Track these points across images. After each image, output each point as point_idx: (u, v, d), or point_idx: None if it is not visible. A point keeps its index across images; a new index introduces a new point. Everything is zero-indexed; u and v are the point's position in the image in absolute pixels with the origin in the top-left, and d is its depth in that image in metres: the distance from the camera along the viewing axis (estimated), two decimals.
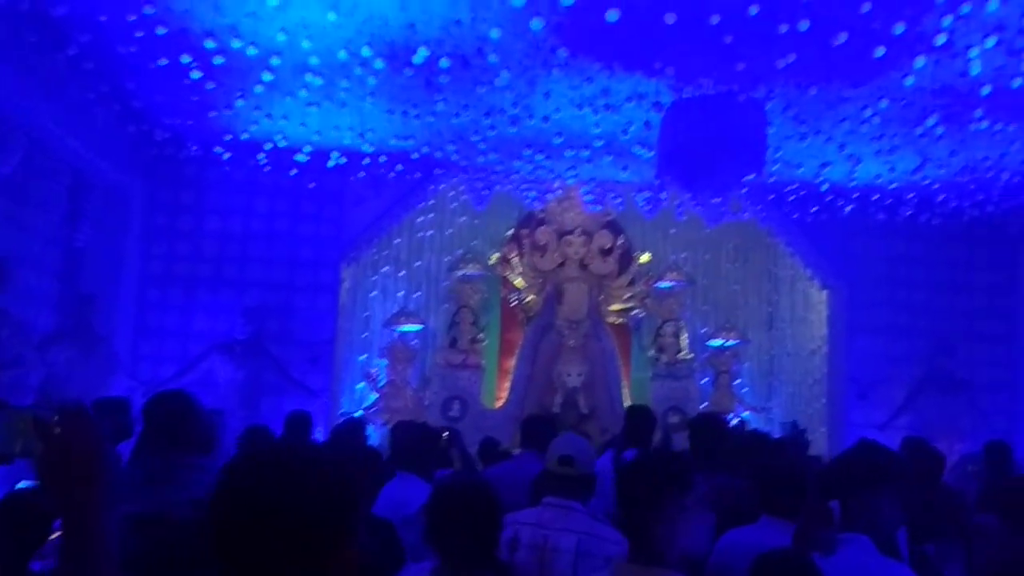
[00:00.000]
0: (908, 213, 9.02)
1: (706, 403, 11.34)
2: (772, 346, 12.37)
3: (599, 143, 7.68)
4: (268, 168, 9.13)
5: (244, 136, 8.39)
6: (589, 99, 7.20)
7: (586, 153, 7.89)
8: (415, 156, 8.66)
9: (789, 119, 7.38)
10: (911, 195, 8.60)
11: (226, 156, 8.86)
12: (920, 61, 5.97)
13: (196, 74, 6.63)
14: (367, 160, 8.81)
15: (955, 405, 9.95)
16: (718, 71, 6.64)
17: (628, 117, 7.40)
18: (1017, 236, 9.75)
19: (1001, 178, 7.98)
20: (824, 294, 10.74)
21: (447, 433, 5.90)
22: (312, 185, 9.29)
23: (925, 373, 10.09)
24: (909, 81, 6.18)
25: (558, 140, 7.49)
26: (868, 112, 6.55)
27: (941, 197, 8.84)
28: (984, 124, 6.65)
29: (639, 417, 5.67)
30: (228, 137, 8.51)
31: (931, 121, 6.72)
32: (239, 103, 7.41)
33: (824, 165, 7.99)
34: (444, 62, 6.36)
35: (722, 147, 6.49)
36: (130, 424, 5.94)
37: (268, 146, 8.57)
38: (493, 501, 2.88)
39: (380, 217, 9.76)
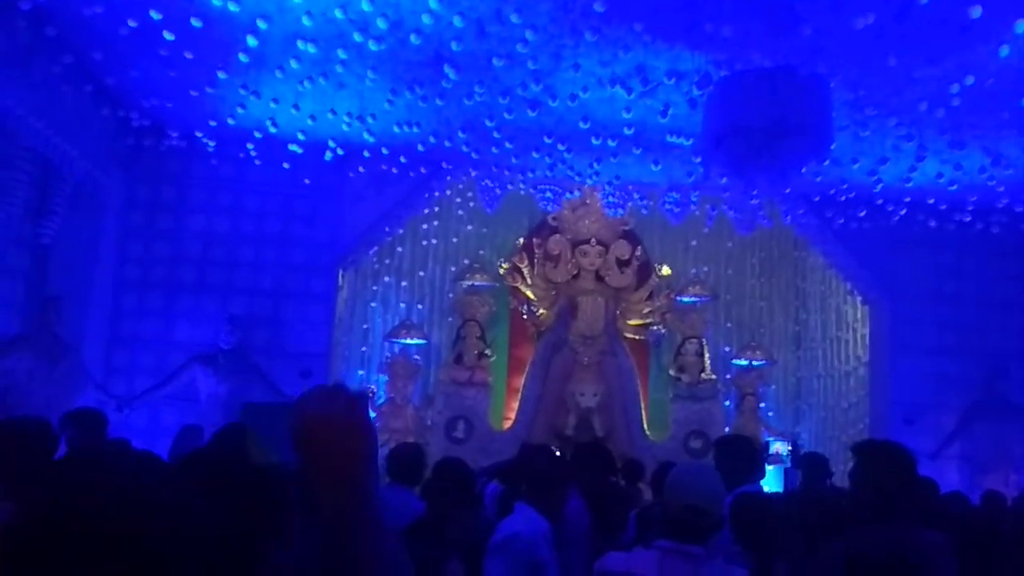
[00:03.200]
0: (966, 220, 7.85)
1: (728, 427, 10.19)
2: (800, 367, 11.22)
3: (629, 131, 6.54)
4: (258, 161, 7.97)
5: (230, 121, 7.24)
6: (621, 78, 6.07)
7: (613, 143, 6.74)
8: (420, 148, 7.50)
9: (846, 104, 6.25)
10: (972, 199, 7.45)
11: (211, 145, 7.70)
12: (1021, 25, 4.84)
13: (169, 35, 5.50)
14: (367, 153, 7.66)
15: (1010, 432, 8.76)
16: (770, 43, 5.53)
17: (666, 98, 6.26)
18: None
19: None
20: (864, 310, 9.56)
21: None
22: (307, 181, 8.14)
23: (977, 398, 8.90)
24: (1004, 51, 5.05)
25: (584, 125, 6.35)
26: (954, 88, 5.39)
27: (1004, 202, 7.68)
28: None
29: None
30: (212, 123, 7.38)
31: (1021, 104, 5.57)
32: (221, 76, 6.26)
33: (882, 162, 6.84)
34: (457, 21, 5.22)
35: (781, 129, 5.35)
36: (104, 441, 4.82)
37: (257, 134, 7.42)
38: None
39: (381, 218, 8.58)
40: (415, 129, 6.97)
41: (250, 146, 7.72)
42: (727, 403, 10.50)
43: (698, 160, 6.92)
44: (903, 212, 7.84)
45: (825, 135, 5.45)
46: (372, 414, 9.76)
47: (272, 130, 7.18)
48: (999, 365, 8.85)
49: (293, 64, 6.09)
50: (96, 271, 7.98)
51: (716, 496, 2.97)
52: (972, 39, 5.31)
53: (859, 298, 9.58)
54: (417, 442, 7.49)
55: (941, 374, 8.96)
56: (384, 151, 7.56)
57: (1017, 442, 8.68)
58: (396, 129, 7.14)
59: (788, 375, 11.19)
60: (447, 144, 7.20)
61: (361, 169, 7.95)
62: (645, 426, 10.03)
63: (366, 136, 7.25)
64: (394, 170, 7.86)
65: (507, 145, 6.89)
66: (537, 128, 6.93)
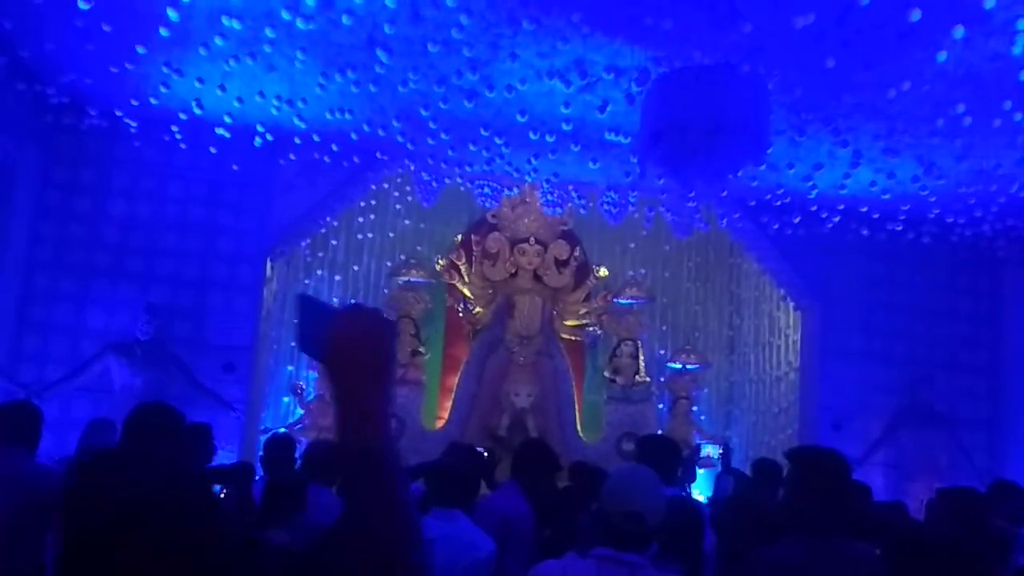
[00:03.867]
0: (897, 228, 7.84)
1: (661, 430, 10.09)
2: (732, 372, 11.19)
3: (567, 126, 6.35)
4: (183, 145, 7.59)
5: (153, 101, 6.85)
6: (560, 71, 5.88)
7: (551, 139, 6.55)
8: (354, 137, 7.21)
9: (783, 107, 6.15)
10: (905, 207, 7.43)
11: (133, 126, 7.29)
12: (959, 31, 4.77)
13: (84, 4, 5.13)
14: (298, 140, 7.33)
15: (934, 440, 8.80)
16: (709, 40, 5.39)
17: (604, 94, 6.09)
18: (1005, 261, 8.67)
19: (1010, 189, 6.85)
20: (797, 316, 9.54)
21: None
22: (235, 168, 7.77)
23: (903, 405, 8.93)
24: (941, 56, 4.98)
25: (522, 119, 6.13)
26: (891, 94, 5.31)
27: (935, 212, 7.69)
28: (1018, 116, 5.47)
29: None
30: (134, 102, 6.98)
31: (961, 109, 5.51)
32: (141, 51, 5.88)
33: (817, 167, 6.76)
34: (390, 1, 4.96)
35: (718, 128, 5.21)
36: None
37: (182, 116, 7.05)
38: None
39: (312, 209, 8.24)
40: (348, 116, 6.68)
41: (175, 128, 7.34)
42: (660, 406, 10.41)
43: (635, 160, 6.78)
44: (837, 219, 7.79)
45: (763, 136, 5.33)
46: (299, 411, 9.44)
47: (197, 111, 6.83)
48: (925, 374, 8.89)
49: (218, 41, 5.76)
50: (6, 252, 7.50)
51: (656, 502, 2.83)
52: (910, 44, 5.24)
53: (792, 304, 9.56)
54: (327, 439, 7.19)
55: (869, 381, 8.97)
56: (316, 138, 7.24)
57: (941, 450, 8.72)
58: (328, 116, 6.84)
59: (721, 379, 11.16)
60: (381, 133, 6.92)
61: (292, 156, 7.62)
62: (579, 427, 9.87)
63: (297, 122, 6.94)
64: (326, 159, 7.54)
65: (443, 136, 6.63)
66: (474, 120, 6.71)
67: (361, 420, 1.36)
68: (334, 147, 7.27)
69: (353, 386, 1.36)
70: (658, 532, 3.11)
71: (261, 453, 5.79)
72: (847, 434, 8.81)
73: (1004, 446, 8.84)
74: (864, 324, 9.05)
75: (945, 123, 5.74)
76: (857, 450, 8.78)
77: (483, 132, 6.46)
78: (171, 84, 6.65)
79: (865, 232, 8.15)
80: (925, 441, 8.77)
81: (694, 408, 10.37)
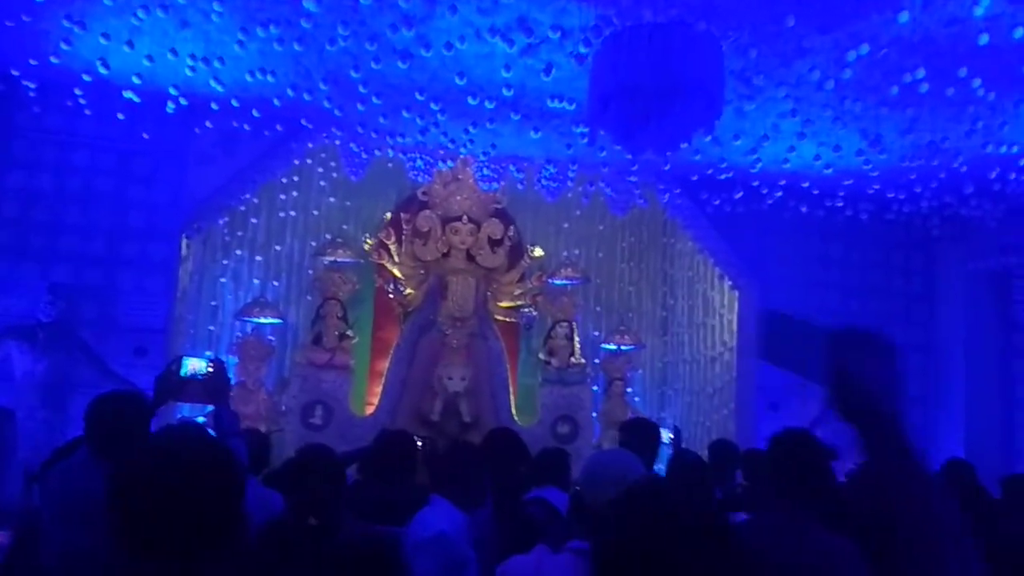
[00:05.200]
0: (837, 204, 7.64)
1: (596, 412, 9.79)
2: (667, 352, 10.93)
3: (508, 92, 5.89)
4: (88, 111, 6.86)
5: (53, 60, 6.13)
6: (502, 29, 5.40)
7: (491, 105, 6.08)
8: (277, 103, 6.59)
9: (733, 74, 5.81)
10: (846, 183, 7.21)
11: (31, 88, 6.53)
12: None
13: None
14: (215, 105, 6.68)
15: None
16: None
17: (549, 56, 5.64)
18: (938, 239, 8.58)
19: (953, 164, 6.68)
20: (732, 295, 9.30)
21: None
22: (146, 136, 7.07)
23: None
24: (903, 17, 4.69)
25: (460, 82, 5.64)
26: (850, 56, 5.00)
27: (875, 188, 7.50)
28: (975, 83, 5.24)
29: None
30: (33, 62, 6.24)
31: (913, 77, 5.25)
32: None
33: (764, 139, 6.47)
34: None
35: (673, 89, 4.83)
36: None
37: (86, 77, 6.32)
38: None
39: (231, 181, 7.58)
40: (270, 78, 6.07)
41: (78, 92, 6.61)
42: (595, 388, 10.08)
43: (579, 130, 6.38)
44: (779, 195, 7.53)
45: (717, 99, 4.96)
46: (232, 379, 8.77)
47: (103, 71, 6.12)
48: None
49: None
50: None
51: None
52: (868, 5, 4.94)
53: (728, 283, 9.32)
54: (257, 428, 6.62)
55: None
56: (234, 103, 6.60)
57: None
58: (248, 78, 6.22)
59: (655, 360, 10.89)
60: (307, 98, 6.32)
61: (208, 124, 6.96)
62: (514, 411, 9.46)
63: (213, 84, 6.28)
64: (246, 127, 6.90)
65: (375, 100, 6.08)
66: (408, 85, 6.17)
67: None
68: (255, 112, 6.64)
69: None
70: None
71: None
72: (784, 413, 8.62)
73: (937, 424, 8.78)
74: (800, 303, 8.85)
75: (898, 92, 5.48)
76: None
77: (418, 97, 5.95)
78: (73, 41, 5.96)
79: (804, 209, 7.93)
80: None
81: (628, 390, 10.08)
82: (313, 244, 9.58)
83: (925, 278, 8.96)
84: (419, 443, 5.53)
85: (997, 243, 8.16)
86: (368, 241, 9.42)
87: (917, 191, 7.42)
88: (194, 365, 3.65)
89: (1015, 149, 6.33)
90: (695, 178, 7.64)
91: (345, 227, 9.70)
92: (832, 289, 8.87)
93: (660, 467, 6.50)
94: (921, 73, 5.02)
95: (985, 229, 8.07)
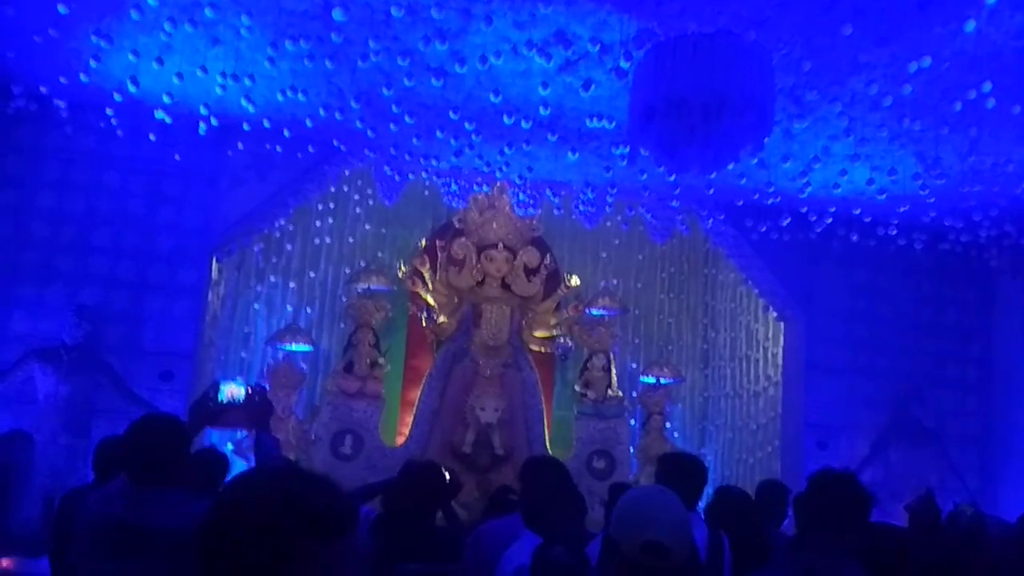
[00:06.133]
0: (891, 233, 7.17)
1: (633, 447, 9.33)
2: (707, 387, 10.46)
3: (545, 111, 5.57)
4: (120, 132, 6.68)
5: (83, 78, 5.96)
6: (539, 44, 5.10)
7: (527, 124, 5.77)
8: (309, 124, 6.35)
9: (783, 92, 5.44)
10: (901, 210, 6.76)
11: (62, 106, 6.37)
12: None
13: None
14: (247, 126, 6.46)
15: (923, 458, 8.13)
16: (707, 9, 4.69)
17: (588, 72, 5.33)
18: (997, 272, 8.06)
19: (1016, 191, 6.21)
20: (778, 327, 8.84)
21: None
22: (177, 158, 6.88)
23: (890, 421, 8.25)
24: (970, 26, 4.30)
25: (495, 99, 5.35)
26: (912, 67, 4.60)
27: (931, 215, 7.04)
28: None
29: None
30: (63, 80, 6.08)
31: (977, 93, 4.84)
32: (62, 9, 4.98)
33: (815, 161, 6.07)
34: None
35: (720, 102, 4.48)
36: None
37: (117, 96, 6.15)
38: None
39: (263, 204, 7.35)
40: (301, 97, 5.84)
41: (109, 112, 6.42)
42: (632, 422, 9.64)
43: (619, 151, 6.04)
44: (829, 222, 7.10)
45: (767, 114, 4.60)
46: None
47: (132, 90, 5.91)
48: (913, 388, 8.24)
49: (152, 2, 4.90)
50: None
51: (682, 531, 2.21)
52: (931, 16, 4.56)
53: (773, 315, 8.86)
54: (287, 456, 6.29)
55: (855, 396, 8.30)
56: (266, 124, 6.37)
57: (931, 468, 8.05)
58: (279, 97, 5.98)
59: (695, 394, 10.42)
60: (339, 117, 6.06)
61: (240, 146, 6.74)
62: (548, 444, 9.04)
63: (245, 104, 6.04)
64: (279, 148, 6.66)
65: (407, 120, 5.80)
66: (442, 103, 5.89)
67: None
68: (286, 133, 6.41)
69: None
70: (684, 571, 2.36)
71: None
72: (832, 452, 8.12)
73: (995, 463, 8.20)
74: (849, 336, 8.38)
75: (960, 109, 5.06)
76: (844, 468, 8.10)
77: (452, 116, 5.65)
78: (102, 58, 5.77)
79: (855, 238, 7.48)
80: (914, 459, 8.10)
81: (667, 424, 9.62)
82: (347, 271, 9.33)
83: (983, 312, 8.42)
84: (447, 475, 5.15)
85: None
86: (402, 268, 9.14)
87: (976, 219, 6.93)
88: (232, 391, 3.56)
89: None
90: (740, 203, 7.23)
91: (380, 254, 9.45)
92: (882, 324, 8.37)
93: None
94: (988, 87, 4.60)
95: None
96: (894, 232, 7.11)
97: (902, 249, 7.62)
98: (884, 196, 6.69)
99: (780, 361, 8.80)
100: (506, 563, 3.34)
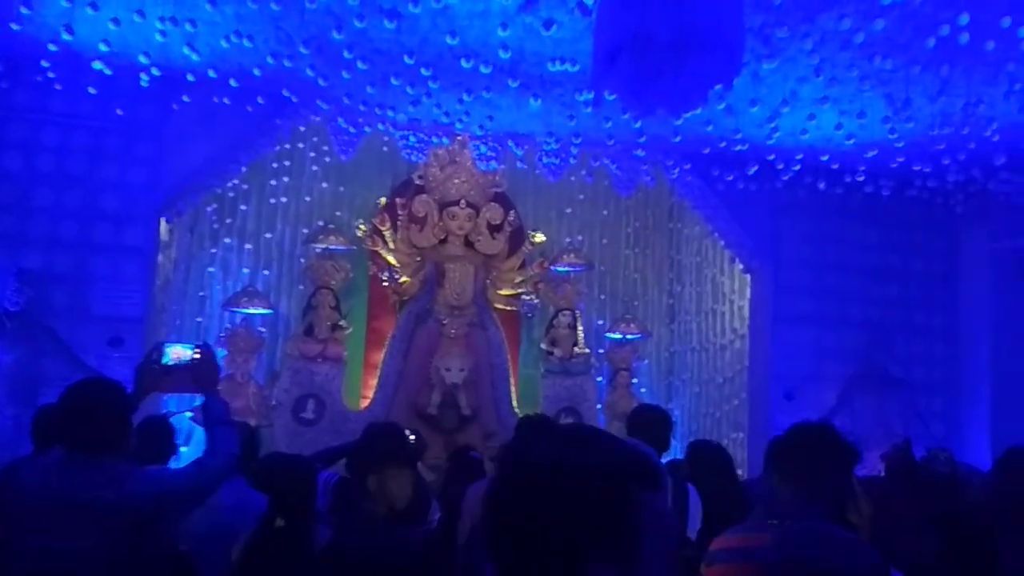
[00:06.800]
0: (858, 179, 7.01)
1: (600, 404, 9.19)
2: (673, 341, 10.34)
3: (505, 53, 5.28)
4: (58, 86, 6.27)
5: (14, 27, 5.54)
6: None
7: (486, 69, 5.47)
8: (257, 72, 5.98)
9: (750, 32, 5.19)
10: (869, 155, 6.58)
11: None
12: None
13: None
14: (191, 77, 6.08)
15: (890, 407, 8.08)
16: None
17: (549, 13, 5.03)
18: (963, 218, 7.96)
19: (984, 132, 6.06)
20: (744, 280, 8.69)
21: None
22: (119, 112, 6.47)
23: (858, 370, 8.17)
24: None
25: (452, 41, 5.04)
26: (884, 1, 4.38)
27: (899, 160, 6.88)
28: (1022, 32, 4.62)
29: None
30: None
31: (950, 29, 4.64)
32: None
33: (784, 105, 5.86)
34: None
35: (687, 40, 4.22)
36: None
37: (52, 47, 5.72)
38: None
39: (212, 160, 6.98)
40: (247, 43, 5.47)
41: (45, 64, 6.00)
42: (600, 379, 9.49)
43: (582, 97, 5.77)
44: (796, 169, 6.90)
45: (737, 48, 4.35)
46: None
47: (67, 38, 5.51)
48: (879, 337, 8.16)
49: None
50: None
51: None
52: None
53: (739, 267, 8.71)
54: (246, 422, 6.01)
55: (822, 347, 8.19)
56: (211, 74, 6.00)
57: (897, 417, 8.00)
58: (224, 44, 5.61)
59: (661, 350, 10.30)
60: (287, 64, 5.71)
61: (185, 99, 6.35)
62: (515, 403, 8.87)
63: (187, 52, 5.67)
64: (226, 100, 6.28)
65: (360, 66, 5.46)
66: (396, 48, 5.56)
67: None
68: (232, 82, 6.04)
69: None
70: None
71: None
72: (800, 404, 8.00)
73: (959, 411, 8.18)
74: (816, 287, 8.26)
75: (932, 46, 4.86)
76: (811, 419, 8.03)
77: (407, 60, 5.33)
78: (34, 4, 5.38)
79: (821, 186, 7.30)
80: (880, 408, 8.04)
81: (634, 380, 9.49)
82: (305, 231, 9.00)
83: (948, 259, 8.33)
84: (411, 436, 4.93)
85: None
86: (362, 227, 8.83)
87: (945, 163, 6.78)
88: (177, 353, 3.28)
89: None
90: (707, 151, 7.00)
91: (338, 213, 9.12)
92: (850, 272, 8.25)
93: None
94: (965, 19, 4.40)
95: (1012, 206, 7.45)
96: (861, 179, 6.94)
97: (869, 197, 7.47)
98: (852, 141, 6.51)
99: (746, 314, 8.67)
100: None
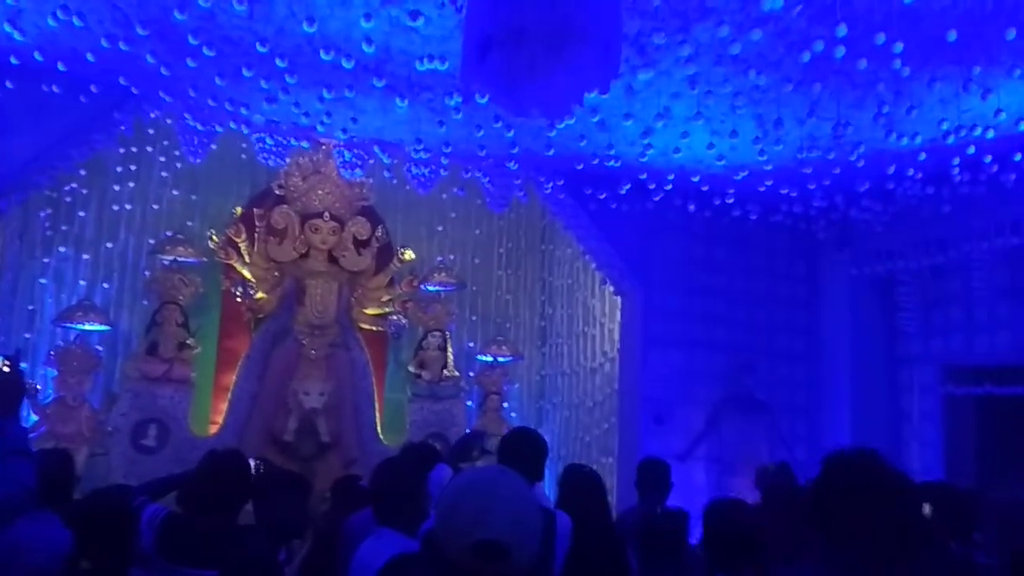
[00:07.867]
0: (728, 202, 6.92)
1: (469, 429, 8.73)
2: (544, 364, 10.03)
3: (369, 47, 4.82)
4: None
5: None
6: None
7: (349, 64, 4.99)
8: (91, 57, 5.28)
9: (627, 39, 4.96)
10: (740, 176, 6.49)
11: None
12: None
13: None
14: (15, 59, 5.31)
15: (755, 430, 8.02)
16: None
17: (416, 4, 4.62)
18: (823, 244, 8.04)
19: (850, 156, 6.05)
20: (614, 302, 8.49)
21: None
22: None
23: (724, 394, 8.09)
24: None
25: (310, 28, 4.54)
26: (764, 7, 4.19)
27: (767, 184, 6.83)
28: (898, 47, 4.54)
29: None
30: None
31: (824, 45, 4.51)
32: None
33: (658, 119, 5.64)
34: None
35: (563, 34, 3.90)
36: None
37: None
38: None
39: (40, 157, 6.14)
40: (77, 21, 4.78)
41: None
42: (469, 403, 9.06)
43: (453, 101, 5.37)
44: (668, 188, 6.74)
45: (614, 46, 4.07)
46: (33, 417, 7.28)
47: None
48: (745, 360, 8.12)
49: None
50: None
51: (525, 522, 1.66)
52: None
53: (610, 290, 8.51)
54: (64, 449, 5.22)
55: (691, 369, 8.08)
56: (37, 56, 5.25)
57: (762, 439, 7.95)
58: (51, 22, 4.90)
59: (532, 373, 9.98)
60: (124, 48, 5.03)
61: (8, 84, 5.56)
62: (379, 429, 8.30)
63: (8, 29, 4.94)
64: (55, 88, 5.53)
65: (206, 51, 4.88)
66: (248, 35, 5.01)
67: None
68: (60, 66, 5.30)
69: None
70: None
71: None
72: (669, 427, 7.86)
73: (821, 433, 8.21)
74: (685, 310, 8.15)
75: (807, 61, 4.74)
76: (679, 444, 7.87)
77: (260, 49, 4.78)
78: None
79: (692, 207, 7.18)
80: (746, 432, 7.98)
81: (505, 404, 9.12)
82: (151, 242, 8.17)
83: (811, 285, 8.41)
84: (253, 465, 4.33)
85: (883, 248, 7.67)
86: (214, 238, 8.09)
87: (810, 187, 6.79)
88: None
89: (918, 140, 5.74)
90: (580, 167, 6.74)
91: (189, 223, 8.34)
92: (717, 296, 8.20)
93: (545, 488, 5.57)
94: (843, 30, 4.27)
95: (871, 234, 7.57)
96: (731, 201, 6.86)
97: (736, 220, 7.43)
98: (723, 163, 6.41)
99: (617, 336, 8.47)
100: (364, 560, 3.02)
